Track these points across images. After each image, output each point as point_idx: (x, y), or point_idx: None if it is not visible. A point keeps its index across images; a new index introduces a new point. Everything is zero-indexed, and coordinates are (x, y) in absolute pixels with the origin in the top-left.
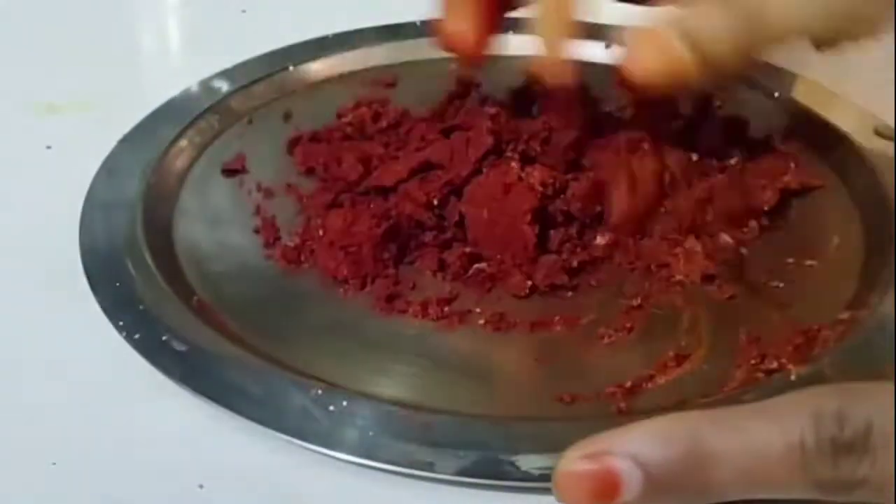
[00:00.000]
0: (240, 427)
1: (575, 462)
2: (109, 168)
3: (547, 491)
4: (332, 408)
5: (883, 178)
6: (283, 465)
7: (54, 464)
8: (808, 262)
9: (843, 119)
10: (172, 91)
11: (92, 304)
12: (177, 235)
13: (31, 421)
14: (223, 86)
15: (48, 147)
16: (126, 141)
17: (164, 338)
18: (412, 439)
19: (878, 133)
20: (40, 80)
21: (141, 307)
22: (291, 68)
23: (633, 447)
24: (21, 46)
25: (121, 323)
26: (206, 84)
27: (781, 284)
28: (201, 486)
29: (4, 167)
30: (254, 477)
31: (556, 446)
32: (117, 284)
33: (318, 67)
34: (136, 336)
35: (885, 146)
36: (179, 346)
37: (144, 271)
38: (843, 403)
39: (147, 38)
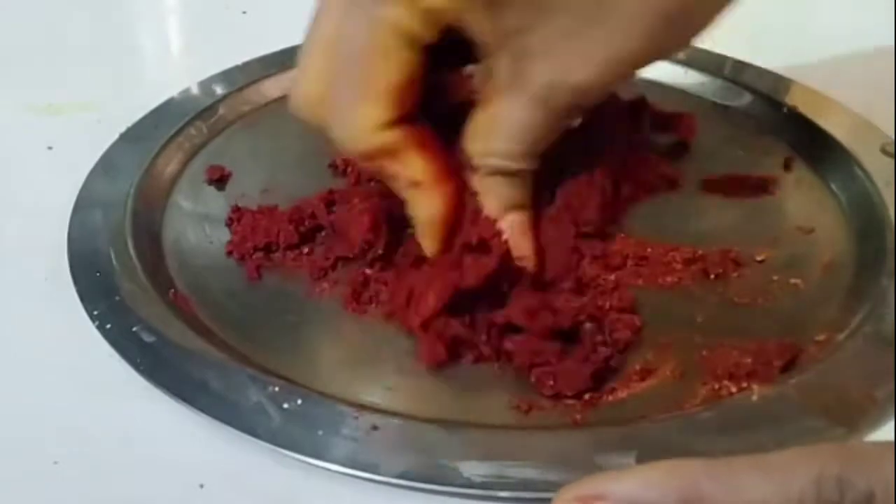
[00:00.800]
0: None
1: (568, 502)
2: (104, 165)
3: (489, 498)
4: (286, 405)
5: (878, 192)
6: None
7: (55, 463)
8: (793, 281)
9: (837, 127)
10: (173, 92)
11: None
12: (164, 230)
13: (32, 420)
14: (220, 87)
15: (49, 147)
16: (123, 139)
17: (134, 328)
18: (359, 440)
19: (884, 151)
20: (40, 80)
21: (117, 297)
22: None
23: (628, 493)
24: (21, 46)
25: (95, 312)
26: (204, 85)
27: (762, 302)
28: (202, 486)
29: (5, 168)
30: (254, 476)
31: (502, 454)
32: (97, 274)
33: None
34: (108, 325)
35: (885, 163)
36: (148, 338)
37: (125, 262)
38: (844, 467)
39: (148, 39)
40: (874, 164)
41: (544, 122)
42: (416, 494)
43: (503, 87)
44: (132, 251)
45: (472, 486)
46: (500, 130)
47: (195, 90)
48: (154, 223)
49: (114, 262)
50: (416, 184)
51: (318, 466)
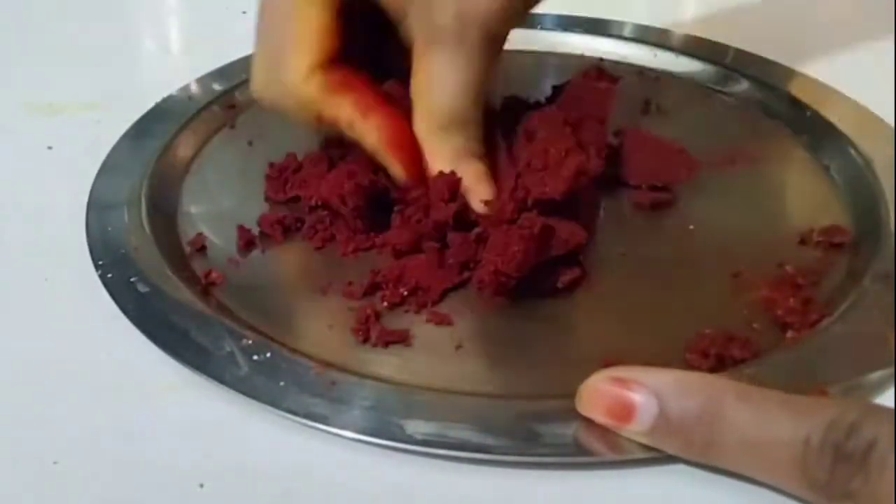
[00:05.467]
0: (242, 426)
1: (604, 380)
2: (122, 146)
3: (429, 455)
4: (255, 357)
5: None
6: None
7: (55, 463)
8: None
9: (838, 115)
10: (174, 92)
11: (97, 302)
12: (182, 194)
13: (32, 420)
14: (219, 82)
15: (49, 147)
16: (133, 129)
17: (132, 279)
18: (316, 394)
19: None
20: (40, 80)
21: (122, 251)
22: None
23: (659, 386)
24: (21, 46)
25: (100, 262)
26: (203, 81)
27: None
28: (202, 486)
29: (5, 168)
30: (256, 475)
31: (446, 416)
32: (109, 229)
33: None
34: (110, 275)
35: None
36: (143, 288)
37: (135, 220)
38: (861, 415)
39: (148, 38)
40: (872, 149)
41: (470, 65)
42: (361, 447)
43: (422, 44)
44: (144, 211)
45: (412, 442)
46: (435, 88)
47: (194, 87)
48: (172, 187)
49: (125, 219)
50: (352, 121)
51: (276, 414)
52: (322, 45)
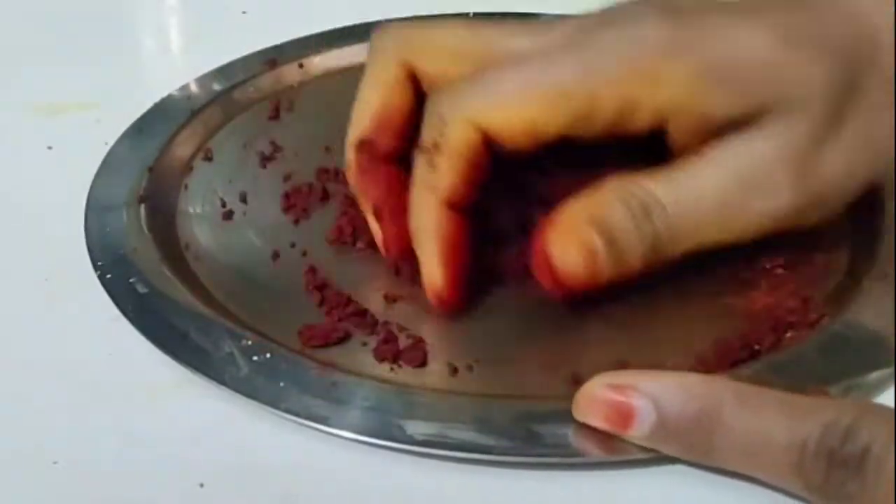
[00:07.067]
0: (242, 426)
1: (600, 387)
2: (122, 146)
3: (427, 455)
4: (255, 358)
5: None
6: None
7: (55, 463)
8: (778, 271)
9: None
10: (174, 92)
11: (97, 302)
12: (182, 194)
13: (32, 420)
14: (219, 82)
15: (49, 147)
16: (133, 129)
17: (131, 280)
18: (316, 394)
19: None
20: (40, 80)
21: (121, 251)
22: (292, 62)
23: (657, 391)
24: (21, 46)
25: (100, 263)
26: (202, 81)
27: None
28: (202, 486)
29: (5, 168)
30: (256, 476)
31: (446, 417)
32: (108, 230)
33: (318, 61)
34: (108, 276)
35: None
36: (142, 290)
37: (134, 221)
38: (857, 419)
39: (148, 38)
40: None
41: None
42: (361, 447)
43: None
44: (143, 212)
45: (412, 442)
46: None
47: (194, 86)
48: (170, 190)
49: (124, 218)
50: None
51: (276, 414)
52: (363, 125)
